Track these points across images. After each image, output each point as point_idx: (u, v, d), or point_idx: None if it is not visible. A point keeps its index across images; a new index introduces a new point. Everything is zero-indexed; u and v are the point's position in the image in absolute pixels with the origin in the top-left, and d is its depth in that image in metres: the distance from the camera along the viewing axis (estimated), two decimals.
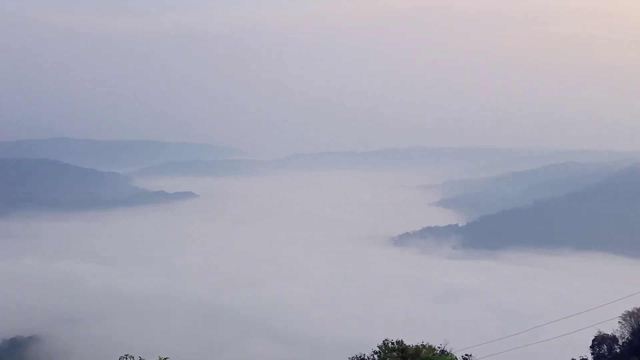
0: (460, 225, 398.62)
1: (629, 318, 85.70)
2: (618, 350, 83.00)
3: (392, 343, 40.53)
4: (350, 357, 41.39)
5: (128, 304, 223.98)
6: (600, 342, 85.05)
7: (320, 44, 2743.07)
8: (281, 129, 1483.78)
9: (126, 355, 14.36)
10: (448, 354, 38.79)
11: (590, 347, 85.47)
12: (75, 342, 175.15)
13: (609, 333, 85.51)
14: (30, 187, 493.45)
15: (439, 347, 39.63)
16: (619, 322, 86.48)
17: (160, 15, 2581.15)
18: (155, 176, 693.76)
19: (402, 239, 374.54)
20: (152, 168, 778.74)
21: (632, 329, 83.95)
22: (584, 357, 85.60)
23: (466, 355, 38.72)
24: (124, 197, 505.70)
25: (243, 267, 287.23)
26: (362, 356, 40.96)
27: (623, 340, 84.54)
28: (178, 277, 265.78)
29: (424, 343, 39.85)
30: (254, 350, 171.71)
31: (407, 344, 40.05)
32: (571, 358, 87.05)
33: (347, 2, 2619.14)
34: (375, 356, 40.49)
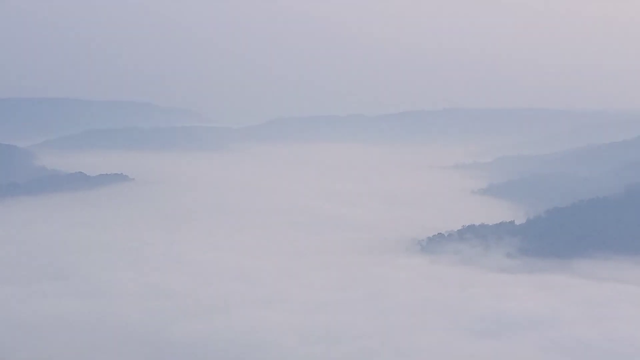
0: (517, 223, 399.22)
1: None
2: None
3: None
4: None
5: (33, 336, 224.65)
6: None
7: None
8: (256, 83, 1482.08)
9: None
10: None
11: None
12: None
13: None
14: None
15: None
16: None
17: None
18: (71, 151, 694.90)
19: (433, 244, 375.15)
20: (66, 139, 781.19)
21: None
22: None
23: None
24: (23, 182, 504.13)
25: (200, 287, 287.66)
26: None
27: None
28: (104, 300, 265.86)
29: None
30: None
31: None
32: None
33: None
34: None
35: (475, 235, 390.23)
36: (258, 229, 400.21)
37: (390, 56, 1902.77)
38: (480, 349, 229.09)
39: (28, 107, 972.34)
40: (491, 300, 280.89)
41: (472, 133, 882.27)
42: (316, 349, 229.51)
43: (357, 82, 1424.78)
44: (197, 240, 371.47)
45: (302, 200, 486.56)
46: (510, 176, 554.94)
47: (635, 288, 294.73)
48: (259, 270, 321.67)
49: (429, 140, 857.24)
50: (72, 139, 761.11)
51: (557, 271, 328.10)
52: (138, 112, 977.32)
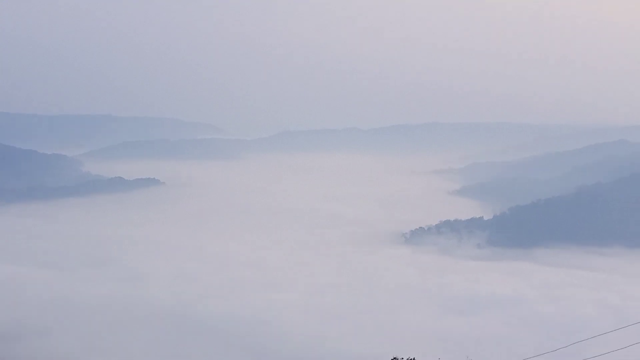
0: (486, 218, 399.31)
1: None
2: None
3: None
4: None
5: (78, 315, 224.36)
6: None
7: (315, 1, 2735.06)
8: (267, 101, 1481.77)
9: None
10: None
11: None
12: None
13: None
14: None
15: None
16: None
17: None
18: (111, 159, 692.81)
19: (415, 236, 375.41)
20: (107, 149, 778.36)
21: None
22: None
23: None
24: (71, 185, 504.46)
25: (219, 273, 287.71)
26: None
27: None
28: (139, 284, 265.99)
29: None
30: None
31: None
32: None
33: None
34: None
35: (451, 229, 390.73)
36: (268, 225, 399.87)
37: (381, 77, 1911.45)
38: (455, 324, 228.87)
39: (75, 123, 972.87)
40: (464, 284, 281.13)
41: (448, 143, 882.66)
42: (318, 325, 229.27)
43: (353, 100, 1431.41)
44: (217, 234, 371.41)
45: (305, 201, 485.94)
46: (480, 179, 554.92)
47: (584, 273, 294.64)
48: (269, 259, 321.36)
49: (412, 150, 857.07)
50: (112, 149, 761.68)
51: (519, 259, 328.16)
52: (167, 127, 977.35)
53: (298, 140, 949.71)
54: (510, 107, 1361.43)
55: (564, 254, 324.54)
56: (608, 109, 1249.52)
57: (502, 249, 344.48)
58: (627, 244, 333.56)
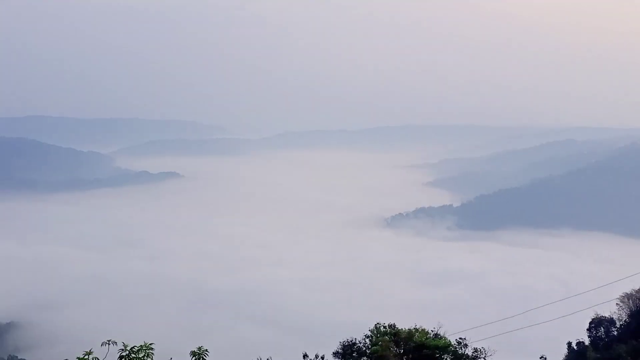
0: (455, 205, 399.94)
1: (627, 300, 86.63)
2: (615, 333, 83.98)
3: (385, 327, 40.82)
4: (341, 341, 41.66)
5: (110, 289, 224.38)
6: (598, 325, 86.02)
7: (307, 20, 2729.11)
8: (269, 106, 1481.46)
9: (109, 340, 14.42)
10: (442, 337, 39.11)
11: (587, 329, 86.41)
12: (56, 328, 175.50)
13: (607, 315, 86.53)
14: (6, 167, 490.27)
15: (432, 331, 39.97)
16: (616, 304, 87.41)
17: None
18: (138, 155, 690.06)
19: (395, 221, 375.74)
20: (134, 147, 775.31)
21: (630, 311, 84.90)
22: (581, 340, 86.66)
23: (460, 338, 39.06)
24: (105, 178, 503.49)
25: (230, 252, 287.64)
26: (354, 341, 41.26)
27: (620, 323, 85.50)
28: (162, 262, 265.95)
29: (417, 327, 40.15)
30: (241, 336, 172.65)
31: (400, 328, 40.35)
32: (568, 341, 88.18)
33: None
34: (367, 340, 40.81)
35: (425, 214, 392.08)
36: (271, 211, 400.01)
37: (366, 86, 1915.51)
38: (429, 294, 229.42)
39: (107, 125, 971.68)
40: (436, 260, 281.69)
41: (423, 142, 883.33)
42: (312, 294, 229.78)
43: (342, 106, 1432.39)
44: (228, 219, 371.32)
45: (303, 191, 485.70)
46: (450, 173, 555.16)
47: (537, 251, 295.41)
48: (272, 240, 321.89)
49: (393, 148, 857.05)
50: (139, 147, 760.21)
51: (483, 239, 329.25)
52: (186, 128, 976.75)
53: (296, 140, 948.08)
54: (476, 112, 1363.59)
55: (521, 235, 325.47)
56: (558, 113, 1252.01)
57: (468, 231, 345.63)
58: (573, 227, 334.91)
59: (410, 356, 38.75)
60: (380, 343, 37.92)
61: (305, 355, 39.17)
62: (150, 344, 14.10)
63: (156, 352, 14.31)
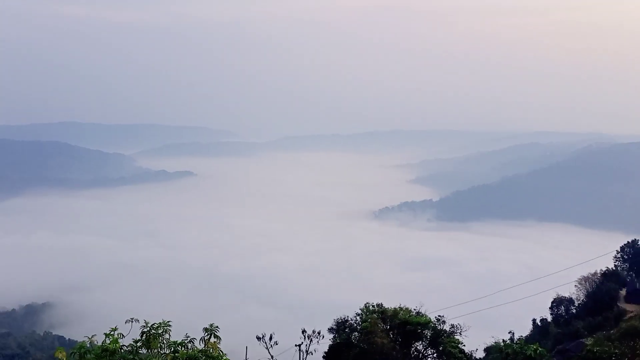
0: (434, 200, 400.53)
1: (584, 282, 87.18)
2: (574, 311, 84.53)
3: (373, 306, 40.93)
4: (335, 319, 41.70)
5: (133, 273, 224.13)
6: (559, 304, 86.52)
7: (307, 37, 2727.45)
8: (272, 113, 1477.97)
9: (132, 318, 14.38)
10: (423, 315, 39.20)
11: (550, 308, 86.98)
12: (85, 308, 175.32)
13: (567, 296, 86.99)
14: (42, 167, 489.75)
15: (414, 309, 40.06)
16: (575, 285, 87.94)
17: (158, 9, 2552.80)
18: (157, 157, 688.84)
19: (382, 214, 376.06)
20: (154, 149, 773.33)
21: (587, 291, 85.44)
22: (544, 317, 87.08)
23: (439, 316, 39.14)
24: (128, 176, 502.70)
25: (237, 241, 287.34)
26: (346, 318, 41.31)
27: (578, 302, 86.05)
28: (178, 250, 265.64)
29: (402, 306, 40.24)
30: (247, 314, 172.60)
31: (386, 307, 40.44)
32: (533, 318, 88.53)
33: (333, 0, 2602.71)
34: (358, 318, 40.87)
35: (408, 208, 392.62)
36: (274, 205, 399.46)
37: (356, 97, 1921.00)
38: (414, 278, 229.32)
39: (130, 130, 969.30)
40: (418, 248, 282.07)
41: (406, 145, 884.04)
42: (310, 278, 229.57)
43: (336, 114, 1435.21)
44: (236, 212, 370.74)
45: (301, 187, 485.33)
46: (430, 172, 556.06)
47: (506, 240, 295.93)
48: (274, 230, 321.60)
49: (380, 150, 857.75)
50: (158, 150, 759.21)
51: (459, 230, 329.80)
52: (199, 133, 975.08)
53: (295, 143, 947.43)
54: (453, 119, 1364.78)
55: (491, 226, 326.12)
56: (524, 120, 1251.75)
57: (446, 223, 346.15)
58: (537, 219, 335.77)
59: (396, 331, 38.83)
60: (369, 320, 38.03)
61: (303, 331, 39.16)
62: (168, 322, 14.10)
63: (173, 329, 14.32)
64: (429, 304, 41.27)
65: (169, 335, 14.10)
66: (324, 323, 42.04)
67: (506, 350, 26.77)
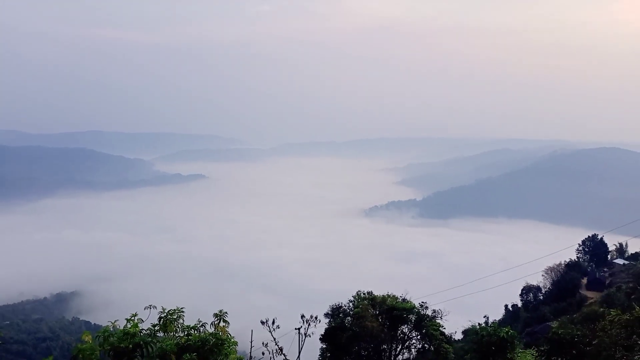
0: (417, 199, 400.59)
1: (550, 272, 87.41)
2: (541, 297, 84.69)
3: (364, 294, 40.86)
4: (331, 305, 41.63)
5: (151, 265, 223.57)
6: (528, 291, 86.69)
7: (306, 56, 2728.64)
8: (275, 122, 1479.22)
9: (150, 305, 14.35)
10: (408, 301, 39.18)
11: (520, 295, 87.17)
12: (109, 296, 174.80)
13: (535, 284, 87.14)
14: (71, 171, 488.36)
15: (401, 297, 40.01)
16: (542, 275, 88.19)
17: (175, 31, 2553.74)
18: (173, 161, 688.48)
19: (372, 212, 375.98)
20: (170, 155, 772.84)
21: (552, 280, 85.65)
22: (515, 303, 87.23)
23: (422, 302, 39.10)
24: (147, 179, 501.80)
25: (243, 236, 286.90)
26: (340, 305, 41.22)
27: (545, 290, 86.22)
28: (191, 244, 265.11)
29: (389, 293, 40.19)
30: (252, 301, 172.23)
31: (376, 294, 40.40)
32: (505, 304, 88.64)
33: (327, 20, 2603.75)
34: (351, 304, 40.80)
35: (395, 206, 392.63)
36: (276, 204, 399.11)
37: (350, 108, 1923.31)
38: (400, 269, 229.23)
39: (149, 137, 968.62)
40: (405, 242, 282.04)
41: (393, 151, 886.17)
42: (309, 270, 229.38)
43: (332, 123, 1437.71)
44: (243, 210, 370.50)
45: (300, 188, 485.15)
46: (414, 174, 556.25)
47: (481, 235, 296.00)
48: (276, 226, 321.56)
49: (370, 155, 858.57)
50: (174, 155, 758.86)
51: (440, 226, 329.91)
52: (210, 140, 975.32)
53: (295, 149, 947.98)
54: (434, 127, 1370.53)
55: (468, 223, 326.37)
56: (496, 127, 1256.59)
57: (428, 220, 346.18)
58: (509, 216, 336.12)
59: (384, 316, 38.77)
60: (360, 306, 37.99)
61: (302, 316, 39.03)
62: (181, 308, 14.10)
63: (186, 314, 14.31)
64: (414, 291, 41.26)
65: (183, 320, 14.09)
66: (321, 309, 41.94)
67: (481, 333, 26.76)
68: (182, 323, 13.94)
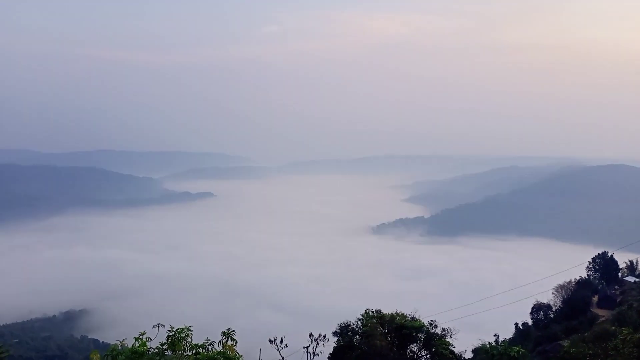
0: (425, 217, 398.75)
1: (560, 290, 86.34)
2: (552, 316, 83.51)
3: (372, 312, 40.55)
4: (339, 323, 41.30)
5: (159, 283, 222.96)
6: (538, 309, 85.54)
7: (313, 75, 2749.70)
8: (282, 141, 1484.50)
9: (158, 324, 14.26)
10: (417, 320, 38.77)
11: (530, 313, 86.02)
12: (117, 314, 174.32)
13: (545, 302, 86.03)
14: (81, 190, 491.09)
15: (409, 315, 39.65)
16: (552, 293, 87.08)
17: (185, 52, 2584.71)
18: (181, 180, 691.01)
19: (380, 229, 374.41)
20: (179, 173, 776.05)
21: (563, 298, 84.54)
22: (525, 322, 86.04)
23: (431, 321, 38.70)
24: (156, 197, 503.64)
25: (251, 253, 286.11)
26: (348, 323, 40.90)
27: (556, 308, 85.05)
28: (199, 261, 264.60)
29: (398, 311, 39.87)
30: (260, 319, 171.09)
31: (384, 313, 40.05)
32: (515, 322, 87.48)
33: (335, 39, 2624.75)
34: (359, 322, 40.45)
35: (403, 223, 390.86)
36: (283, 221, 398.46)
37: (355, 126, 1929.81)
38: (408, 286, 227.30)
39: (158, 156, 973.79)
40: (412, 259, 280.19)
41: (400, 168, 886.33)
42: (315, 287, 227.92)
43: (337, 142, 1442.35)
44: (250, 227, 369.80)
45: (308, 205, 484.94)
46: (422, 192, 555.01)
47: (490, 252, 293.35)
48: (284, 244, 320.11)
49: (377, 173, 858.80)
50: (182, 174, 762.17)
51: (447, 243, 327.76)
52: (218, 159, 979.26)
53: (302, 167, 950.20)
54: (442, 144, 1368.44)
55: (476, 240, 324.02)
56: (504, 145, 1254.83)
57: (436, 237, 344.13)
58: (517, 234, 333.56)
59: (393, 335, 38.40)
60: (369, 324, 37.68)
61: (310, 335, 38.78)
62: (189, 326, 14.03)
63: (194, 332, 14.22)
64: (423, 309, 40.88)
65: (191, 339, 13.99)
66: (329, 327, 41.61)
67: (492, 352, 26.35)
68: (190, 341, 13.86)
